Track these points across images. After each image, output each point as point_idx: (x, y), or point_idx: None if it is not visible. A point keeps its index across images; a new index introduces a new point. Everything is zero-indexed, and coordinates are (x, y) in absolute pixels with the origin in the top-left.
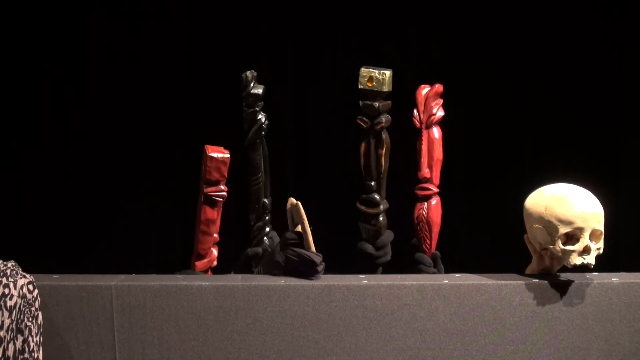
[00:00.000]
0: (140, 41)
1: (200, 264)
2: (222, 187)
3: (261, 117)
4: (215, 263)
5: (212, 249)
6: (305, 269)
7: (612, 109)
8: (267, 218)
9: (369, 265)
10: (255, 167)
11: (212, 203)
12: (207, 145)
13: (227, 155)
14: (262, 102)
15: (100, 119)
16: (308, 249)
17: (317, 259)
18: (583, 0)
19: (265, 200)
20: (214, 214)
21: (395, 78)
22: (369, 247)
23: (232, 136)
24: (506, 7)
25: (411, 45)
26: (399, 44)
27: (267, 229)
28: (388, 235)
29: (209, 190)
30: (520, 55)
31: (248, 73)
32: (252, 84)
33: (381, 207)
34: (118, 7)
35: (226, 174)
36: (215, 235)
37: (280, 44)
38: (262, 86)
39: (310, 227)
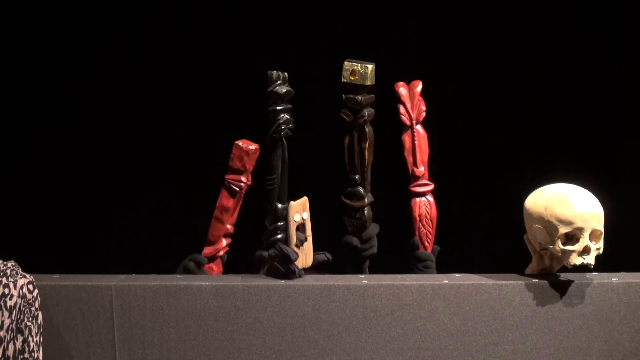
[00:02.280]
0: (142, 42)
1: (207, 250)
2: (243, 178)
3: (282, 116)
4: (221, 253)
5: (222, 238)
6: (281, 265)
7: (612, 109)
8: (279, 223)
9: (355, 259)
10: (271, 168)
11: (230, 191)
12: (241, 140)
13: (253, 147)
14: (287, 104)
15: (100, 119)
16: (289, 245)
17: (293, 255)
18: (583, 2)
19: (279, 205)
20: (229, 203)
21: (392, 76)
22: (355, 240)
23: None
24: (506, 5)
25: (410, 43)
26: (397, 42)
27: (279, 235)
28: (373, 228)
29: (229, 177)
30: (521, 55)
31: (274, 72)
32: (276, 83)
33: (366, 200)
34: (124, 14)
35: (250, 167)
36: (229, 226)
37: (279, 44)
38: (287, 87)
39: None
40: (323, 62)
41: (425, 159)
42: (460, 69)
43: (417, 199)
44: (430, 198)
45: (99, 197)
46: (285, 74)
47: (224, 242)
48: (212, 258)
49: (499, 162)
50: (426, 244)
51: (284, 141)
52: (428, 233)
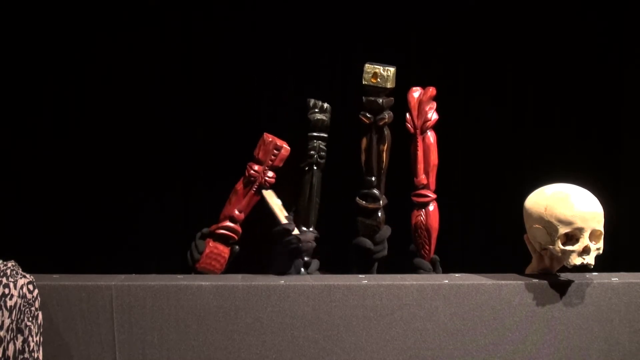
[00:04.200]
0: (142, 42)
1: (212, 226)
2: (256, 167)
3: (312, 143)
4: (222, 232)
5: (227, 220)
6: (286, 245)
7: (612, 109)
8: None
9: (366, 261)
10: (299, 189)
11: (245, 177)
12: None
13: (279, 144)
14: (320, 132)
15: (99, 120)
16: (279, 223)
17: (290, 226)
18: (583, 3)
19: (303, 228)
20: (240, 187)
21: (397, 79)
22: (368, 242)
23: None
24: (506, 9)
25: (412, 46)
26: (400, 46)
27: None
28: (386, 231)
29: (249, 163)
30: (521, 56)
31: (311, 100)
32: (310, 110)
33: (381, 202)
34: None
35: (264, 158)
36: (237, 211)
37: (280, 44)
38: (322, 116)
39: (275, 203)
40: (330, 64)
41: (429, 169)
42: (460, 70)
43: (415, 209)
44: (430, 208)
45: (99, 197)
46: (325, 104)
47: (229, 224)
48: (214, 236)
49: (499, 162)
50: (422, 253)
51: (314, 167)
52: (424, 243)
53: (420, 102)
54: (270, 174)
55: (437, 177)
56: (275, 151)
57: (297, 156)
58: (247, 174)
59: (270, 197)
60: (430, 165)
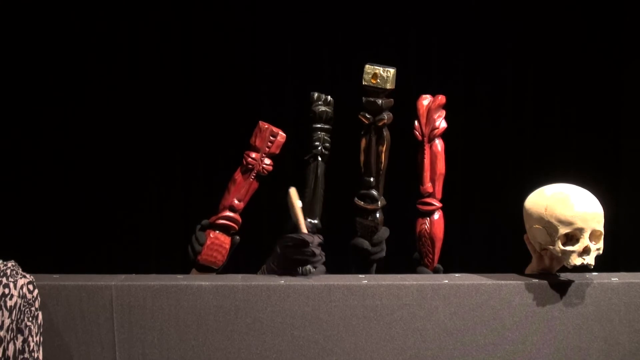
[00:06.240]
0: (141, 41)
1: (212, 217)
2: (253, 154)
3: (316, 135)
4: (222, 222)
5: (227, 209)
6: (300, 254)
7: (612, 109)
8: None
9: (363, 262)
10: (304, 181)
11: (242, 165)
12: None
13: (275, 131)
14: (325, 124)
15: (99, 119)
16: (299, 229)
17: (309, 238)
18: (582, 4)
19: (308, 220)
20: (238, 176)
21: (397, 80)
22: (365, 243)
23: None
24: (505, 12)
25: (411, 51)
26: (399, 50)
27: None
28: (384, 232)
29: (246, 152)
30: (521, 57)
31: (315, 93)
32: (315, 103)
33: (379, 203)
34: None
35: (261, 145)
36: (236, 201)
37: (280, 45)
38: (326, 108)
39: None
40: (326, 64)
41: (436, 177)
42: (459, 72)
43: (420, 217)
44: (435, 217)
45: (99, 197)
46: (329, 97)
47: (229, 214)
48: (215, 226)
49: (499, 162)
50: (426, 261)
51: (318, 158)
52: (427, 252)
53: (429, 110)
54: (267, 161)
55: (441, 191)
56: (271, 138)
57: (297, 156)
58: (244, 162)
59: (295, 197)
60: (437, 173)
